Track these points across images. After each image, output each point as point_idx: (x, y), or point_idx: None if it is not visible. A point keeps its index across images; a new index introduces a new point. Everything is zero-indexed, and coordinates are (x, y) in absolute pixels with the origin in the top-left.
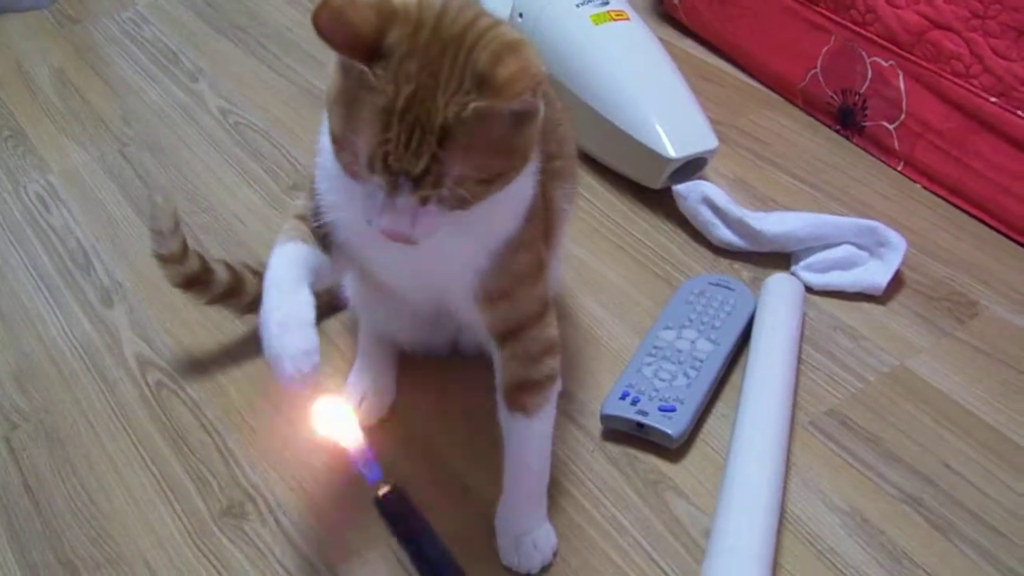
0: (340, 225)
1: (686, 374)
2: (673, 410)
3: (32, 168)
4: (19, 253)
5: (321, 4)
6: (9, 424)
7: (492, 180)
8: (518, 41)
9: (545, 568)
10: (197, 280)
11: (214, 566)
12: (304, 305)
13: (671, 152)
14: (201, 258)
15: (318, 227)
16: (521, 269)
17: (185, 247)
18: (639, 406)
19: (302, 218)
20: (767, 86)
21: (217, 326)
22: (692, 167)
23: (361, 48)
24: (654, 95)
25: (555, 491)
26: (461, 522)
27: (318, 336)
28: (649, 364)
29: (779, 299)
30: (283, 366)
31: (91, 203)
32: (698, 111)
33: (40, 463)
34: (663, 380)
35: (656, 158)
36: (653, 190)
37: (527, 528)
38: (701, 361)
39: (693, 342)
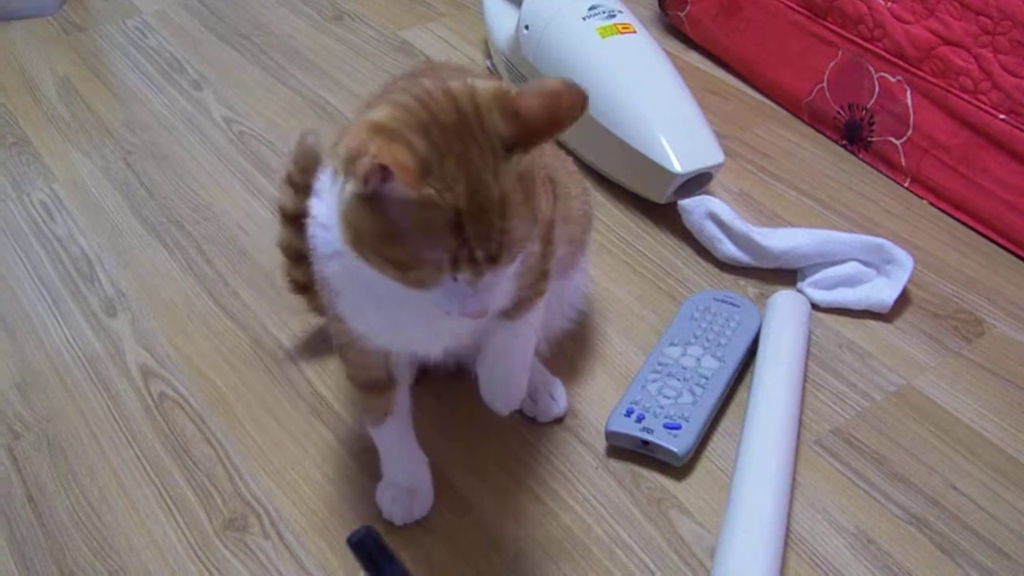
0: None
1: (691, 391)
2: (678, 428)
3: (36, 176)
4: (23, 261)
5: (372, 174)
6: (12, 434)
7: (538, 216)
8: (502, 87)
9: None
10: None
11: None
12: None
13: (677, 167)
14: None
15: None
16: (537, 249)
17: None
18: (644, 423)
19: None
20: (773, 100)
21: (220, 337)
22: (698, 182)
23: (417, 179)
24: (660, 109)
25: (558, 507)
26: (462, 537)
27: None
28: (654, 381)
29: (785, 316)
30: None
31: (95, 212)
32: (704, 126)
33: (42, 473)
34: (668, 397)
35: (662, 173)
36: (659, 205)
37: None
38: (707, 378)
39: (698, 359)
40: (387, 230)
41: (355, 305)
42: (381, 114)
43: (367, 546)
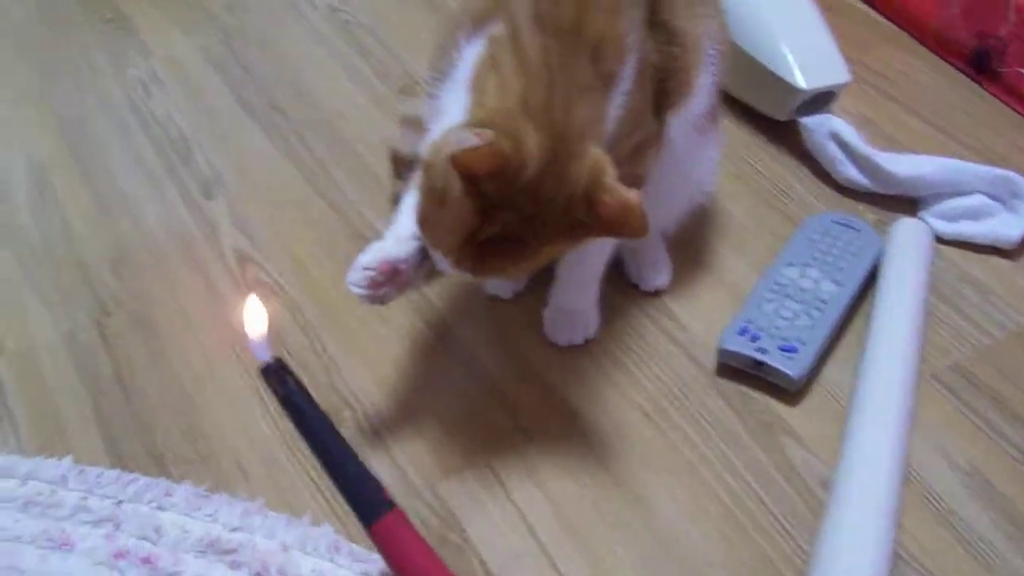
0: None
1: (809, 314)
2: (795, 351)
3: (134, 52)
4: (119, 137)
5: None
6: (103, 310)
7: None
8: (604, 167)
9: (587, 340)
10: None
11: (307, 471)
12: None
13: (802, 83)
14: None
15: None
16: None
17: None
18: (759, 343)
19: None
20: (896, 23)
21: (319, 226)
22: (819, 101)
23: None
24: (786, 22)
25: (665, 424)
26: (566, 449)
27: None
28: (771, 301)
29: (908, 245)
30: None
31: (193, 92)
32: (831, 42)
33: (133, 352)
34: (785, 319)
35: (785, 88)
36: (776, 122)
37: (577, 308)
38: (825, 302)
39: (817, 282)
40: (443, 188)
41: None
42: (537, 99)
43: (275, 373)
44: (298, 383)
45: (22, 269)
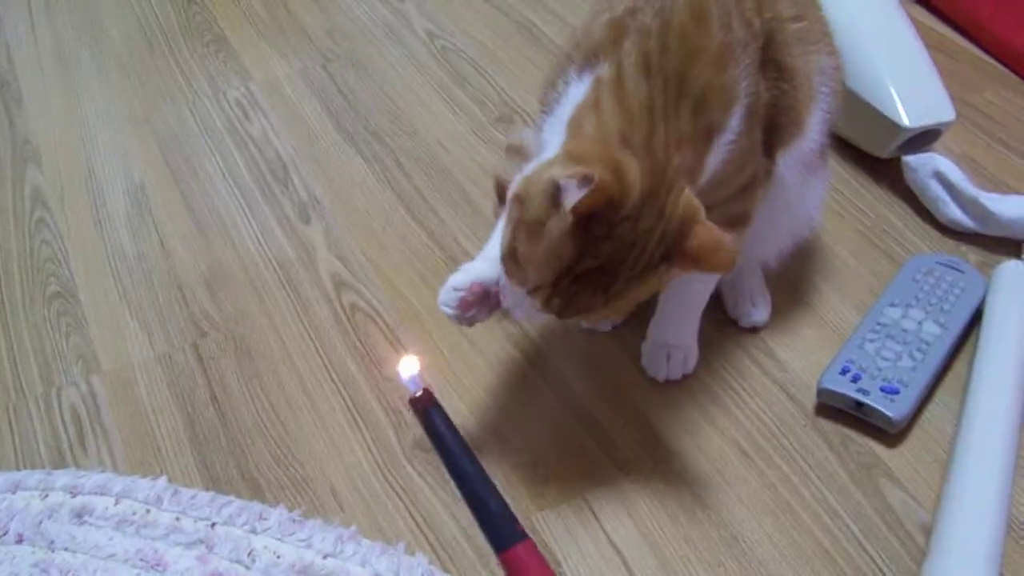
0: None
1: (911, 356)
2: (896, 392)
3: (233, 75)
4: (216, 158)
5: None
6: (198, 331)
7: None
8: (698, 208)
9: (685, 375)
10: None
11: (402, 500)
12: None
13: (905, 121)
14: None
15: None
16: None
17: None
18: (860, 384)
19: None
20: (1004, 63)
21: (417, 254)
22: (923, 139)
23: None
24: (892, 59)
25: (763, 463)
26: (663, 486)
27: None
28: (872, 341)
29: (1013, 289)
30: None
31: (291, 115)
32: (936, 79)
33: (228, 374)
34: (887, 359)
35: (888, 126)
36: (877, 159)
37: (676, 343)
38: (928, 344)
39: (920, 323)
40: (539, 220)
41: None
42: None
43: (423, 404)
44: (444, 414)
45: (120, 288)
